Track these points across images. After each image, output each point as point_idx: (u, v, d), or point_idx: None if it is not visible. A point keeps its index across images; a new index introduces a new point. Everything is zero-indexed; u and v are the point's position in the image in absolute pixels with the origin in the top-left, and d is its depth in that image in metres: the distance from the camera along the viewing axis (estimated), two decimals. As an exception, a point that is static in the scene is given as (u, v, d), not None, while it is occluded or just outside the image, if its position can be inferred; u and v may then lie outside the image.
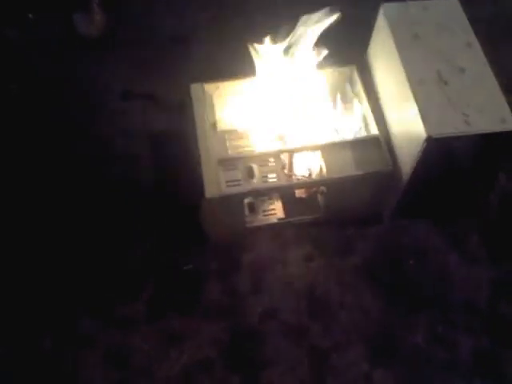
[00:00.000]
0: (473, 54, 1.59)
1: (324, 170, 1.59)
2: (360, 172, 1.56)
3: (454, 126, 1.45)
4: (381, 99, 1.71)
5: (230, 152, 1.66)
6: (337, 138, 1.68)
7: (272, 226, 1.71)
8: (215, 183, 1.52)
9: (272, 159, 1.59)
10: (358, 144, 1.61)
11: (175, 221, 1.70)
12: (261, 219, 1.70)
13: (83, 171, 1.80)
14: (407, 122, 1.54)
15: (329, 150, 1.60)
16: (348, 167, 1.57)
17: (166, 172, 1.80)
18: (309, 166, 1.65)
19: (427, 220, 1.74)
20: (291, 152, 1.60)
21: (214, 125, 1.65)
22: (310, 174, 1.64)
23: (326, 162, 1.58)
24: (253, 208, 1.70)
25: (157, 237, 1.69)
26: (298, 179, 1.64)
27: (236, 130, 1.70)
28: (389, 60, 1.63)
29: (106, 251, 1.66)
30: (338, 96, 1.75)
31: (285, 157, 1.62)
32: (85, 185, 1.77)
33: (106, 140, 1.86)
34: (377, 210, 1.71)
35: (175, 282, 1.62)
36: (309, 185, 1.67)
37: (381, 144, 1.61)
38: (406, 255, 1.69)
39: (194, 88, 1.70)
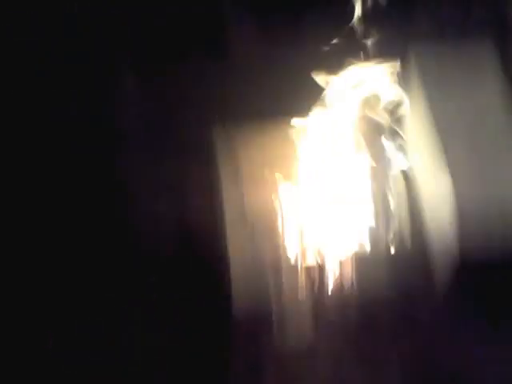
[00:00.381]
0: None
1: (355, 283, 1.51)
2: (395, 292, 1.48)
3: (492, 232, 1.36)
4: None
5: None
6: (372, 249, 1.55)
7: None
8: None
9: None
10: (394, 258, 1.52)
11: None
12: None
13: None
14: (441, 223, 1.46)
15: (362, 263, 1.51)
16: (382, 282, 1.49)
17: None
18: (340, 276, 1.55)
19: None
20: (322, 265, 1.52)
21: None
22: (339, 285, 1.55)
23: (358, 275, 1.51)
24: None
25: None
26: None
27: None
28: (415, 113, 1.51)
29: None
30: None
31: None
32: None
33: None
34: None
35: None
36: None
37: (419, 261, 1.52)
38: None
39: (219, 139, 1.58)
